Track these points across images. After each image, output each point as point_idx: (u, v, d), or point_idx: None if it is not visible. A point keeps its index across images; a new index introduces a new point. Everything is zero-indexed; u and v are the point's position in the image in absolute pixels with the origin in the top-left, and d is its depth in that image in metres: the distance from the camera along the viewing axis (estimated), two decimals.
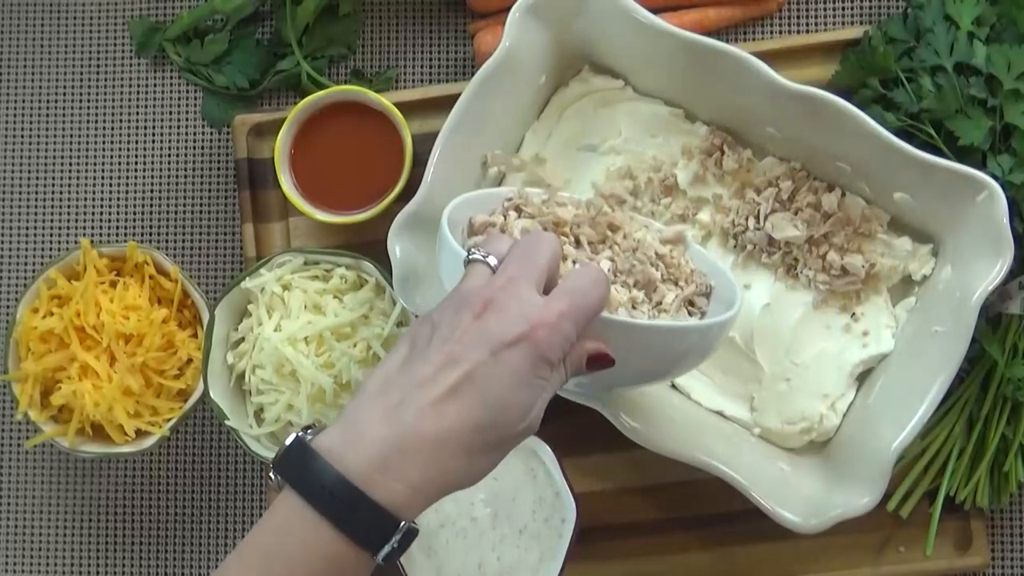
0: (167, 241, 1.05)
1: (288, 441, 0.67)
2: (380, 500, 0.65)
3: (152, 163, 1.06)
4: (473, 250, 0.72)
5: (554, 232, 0.81)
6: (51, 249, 1.06)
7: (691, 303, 0.84)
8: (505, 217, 0.83)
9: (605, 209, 0.85)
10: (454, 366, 0.67)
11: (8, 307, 1.05)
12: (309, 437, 0.67)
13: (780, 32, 1.03)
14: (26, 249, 1.06)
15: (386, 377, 0.68)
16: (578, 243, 0.83)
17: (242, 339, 0.96)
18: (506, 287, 0.69)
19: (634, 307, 0.80)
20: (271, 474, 0.67)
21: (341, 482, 0.65)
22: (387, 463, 0.65)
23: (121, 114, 1.06)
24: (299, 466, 0.66)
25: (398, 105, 0.97)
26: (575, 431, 0.92)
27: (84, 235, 1.05)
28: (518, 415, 0.68)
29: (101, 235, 1.05)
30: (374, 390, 0.68)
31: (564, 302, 0.69)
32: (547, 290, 0.70)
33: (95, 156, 1.06)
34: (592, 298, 0.70)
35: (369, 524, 0.65)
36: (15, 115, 1.07)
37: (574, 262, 0.79)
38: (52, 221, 1.06)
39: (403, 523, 0.66)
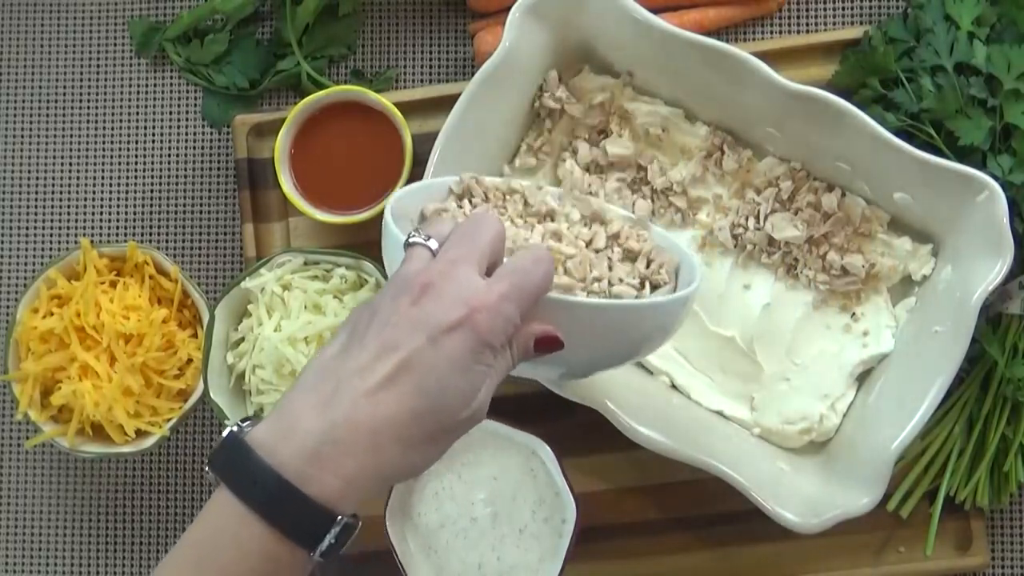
0: (167, 241, 1.05)
1: (223, 435, 0.65)
2: (313, 494, 0.63)
3: (152, 163, 1.06)
4: (413, 234, 0.70)
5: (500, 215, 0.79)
6: (51, 249, 1.06)
7: (654, 284, 0.81)
8: (460, 205, 0.81)
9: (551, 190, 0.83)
10: (391, 353, 0.64)
11: (8, 307, 1.05)
12: (245, 431, 0.65)
13: (780, 32, 1.03)
14: (26, 249, 1.06)
15: (322, 366, 0.66)
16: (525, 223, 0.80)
17: (242, 339, 0.96)
18: (445, 270, 0.66)
19: (587, 289, 0.77)
20: (206, 469, 0.65)
21: (273, 477, 0.63)
22: (320, 455, 0.63)
23: (121, 114, 1.06)
24: (232, 461, 0.64)
25: (398, 105, 0.97)
26: (575, 431, 0.92)
27: (84, 235, 1.05)
28: (459, 403, 0.65)
29: (101, 235, 1.05)
30: (309, 379, 0.66)
31: (505, 283, 0.66)
32: (491, 273, 0.68)
33: (95, 156, 1.06)
34: (535, 277, 0.68)
35: (303, 520, 0.63)
36: (15, 115, 1.07)
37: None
38: (52, 221, 1.06)
39: (340, 517, 0.64)
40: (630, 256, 0.81)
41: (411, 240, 0.69)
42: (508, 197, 0.82)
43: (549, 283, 0.69)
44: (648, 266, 0.80)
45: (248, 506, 0.63)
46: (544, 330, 0.69)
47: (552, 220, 0.82)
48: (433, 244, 0.69)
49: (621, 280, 0.77)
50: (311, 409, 0.64)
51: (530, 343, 0.69)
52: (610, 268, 0.79)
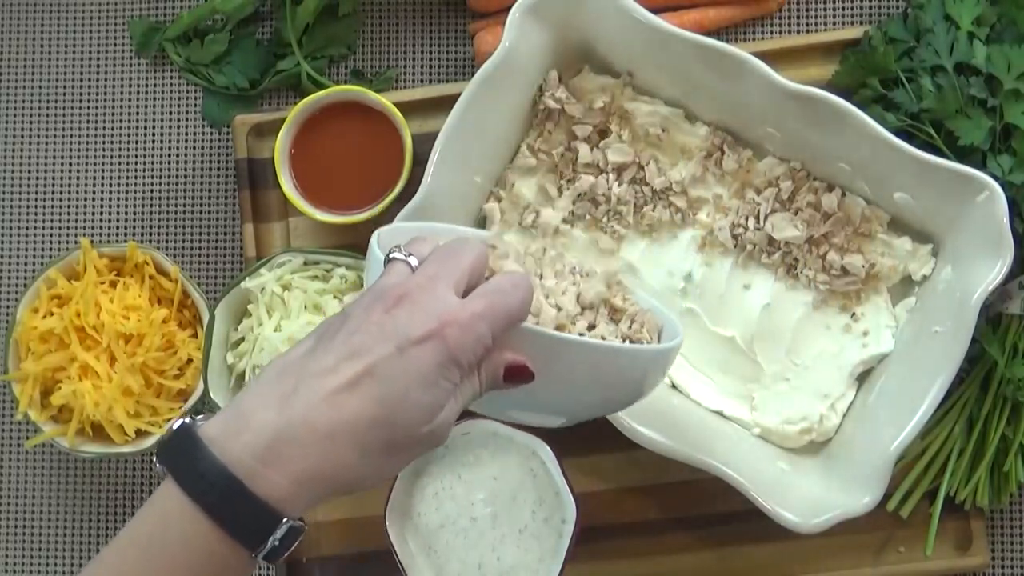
0: (167, 241, 1.05)
1: (175, 426, 0.64)
2: (259, 492, 0.62)
3: (152, 163, 1.06)
4: (394, 250, 0.69)
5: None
6: (51, 249, 1.06)
7: (635, 342, 0.78)
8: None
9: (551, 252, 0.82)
10: (356, 358, 0.63)
11: (8, 307, 1.05)
12: (198, 423, 0.64)
13: (780, 32, 1.03)
14: (26, 249, 1.06)
15: (285, 365, 0.65)
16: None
17: (242, 339, 0.96)
18: (422, 284, 0.65)
19: (565, 326, 0.76)
20: (154, 460, 0.64)
21: (220, 472, 0.61)
22: (271, 453, 0.62)
23: (121, 114, 1.06)
24: (181, 453, 0.63)
25: (398, 105, 0.97)
26: (575, 431, 0.92)
27: (84, 235, 1.05)
28: (420, 416, 0.64)
29: (101, 235, 1.05)
30: (270, 377, 0.64)
31: (480, 303, 0.65)
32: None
33: (95, 156, 1.06)
34: (512, 301, 0.66)
35: (247, 519, 0.62)
36: (15, 115, 1.07)
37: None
38: (52, 221, 1.06)
39: (285, 520, 0.62)
40: (614, 317, 0.80)
41: (392, 255, 0.69)
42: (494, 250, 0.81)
43: (526, 310, 0.67)
44: (631, 326, 0.79)
45: (193, 500, 0.62)
46: (515, 359, 0.67)
47: (541, 277, 0.80)
48: (413, 261, 0.68)
49: (603, 338, 0.76)
50: (268, 406, 0.63)
51: (499, 370, 0.67)
52: (594, 325, 0.77)
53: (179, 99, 1.06)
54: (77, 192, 1.06)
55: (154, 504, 0.63)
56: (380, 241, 0.74)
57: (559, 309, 0.76)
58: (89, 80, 1.07)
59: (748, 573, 0.98)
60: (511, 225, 0.96)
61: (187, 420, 0.64)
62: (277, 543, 0.63)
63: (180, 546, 0.62)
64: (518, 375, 0.68)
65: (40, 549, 1.04)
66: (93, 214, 1.06)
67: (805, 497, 0.89)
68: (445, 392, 0.65)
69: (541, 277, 0.78)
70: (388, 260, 0.69)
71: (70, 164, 1.06)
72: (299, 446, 0.62)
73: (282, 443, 0.62)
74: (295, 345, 0.67)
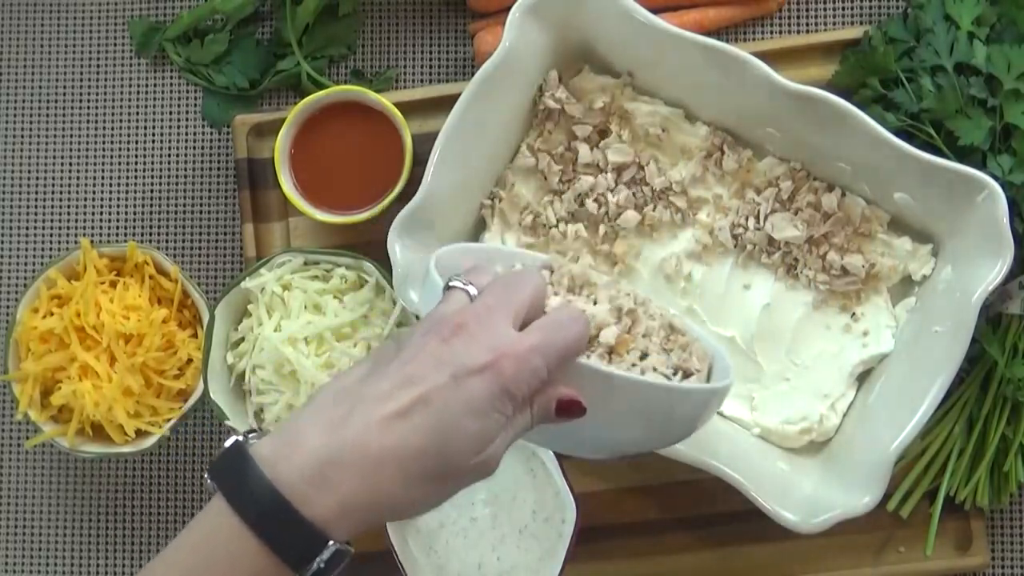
0: (167, 241, 1.05)
1: (227, 444, 0.64)
2: (307, 514, 0.62)
3: (152, 163, 1.06)
4: (454, 278, 0.69)
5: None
6: (51, 249, 1.06)
7: (687, 373, 0.78)
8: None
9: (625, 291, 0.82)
10: (411, 386, 0.63)
11: (8, 307, 1.05)
12: (250, 442, 0.64)
13: (780, 32, 1.03)
14: (26, 249, 1.06)
15: (338, 389, 0.65)
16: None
17: (242, 339, 0.96)
18: (480, 315, 0.66)
19: (615, 361, 0.75)
20: (205, 476, 0.64)
21: (270, 492, 0.62)
22: (320, 475, 0.62)
23: (121, 114, 1.06)
24: (232, 471, 0.63)
25: (398, 105, 0.97)
26: None
27: (84, 235, 1.05)
28: (470, 447, 0.64)
29: (101, 235, 1.05)
30: (324, 400, 0.65)
31: (536, 336, 0.65)
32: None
33: (95, 156, 1.06)
34: (568, 335, 0.66)
35: (293, 540, 0.62)
36: (15, 115, 1.07)
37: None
38: (52, 221, 1.06)
39: (331, 542, 0.62)
40: (666, 346, 0.79)
41: (451, 283, 0.69)
42: (551, 274, 0.80)
43: (582, 345, 0.68)
44: (682, 356, 0.78)
45: (242, 518, 0.62)
46: (568, 393, 0.67)
47: (596, 303, 0.80)
48: (472, 290, 0.68)
49: (655, 369, 0.75)
50: (320, 428, 0.63)
51: (552, 404, 0.67)
52: (646, 354, 0.76)
53: (179, 99, 1.06)
54: (77, 192, 1.06)
55: (202, 520, 0.63)
56: (438, 263, 0.74)
57: (612, 334, 0.75)
58: (89, 80, 1.07)
59: (748, 573, 0.98)
60: (511, 225, 0.96)
61: (240, 438, 0.65)
62: (323, 565, 0.62)
63: (226, 564, 0.62)
64: (570, 410, 0.67)
65: (40, 549, 1.04)
66: (93, 214, 1.06)
67: (805, 497, 0.89)
68: (497, 424, 0.64)
69: (596, 303, 0.78)
70: (447, 288, 0.69)
71: (70, 164, 1.06)
72: (348, 470, 0.62)
73: (331, 466, 0.62)
74: (351, 369, 0.67)
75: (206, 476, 0.64)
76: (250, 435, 0.65)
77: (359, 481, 0.62)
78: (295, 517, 0.62)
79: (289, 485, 0.62)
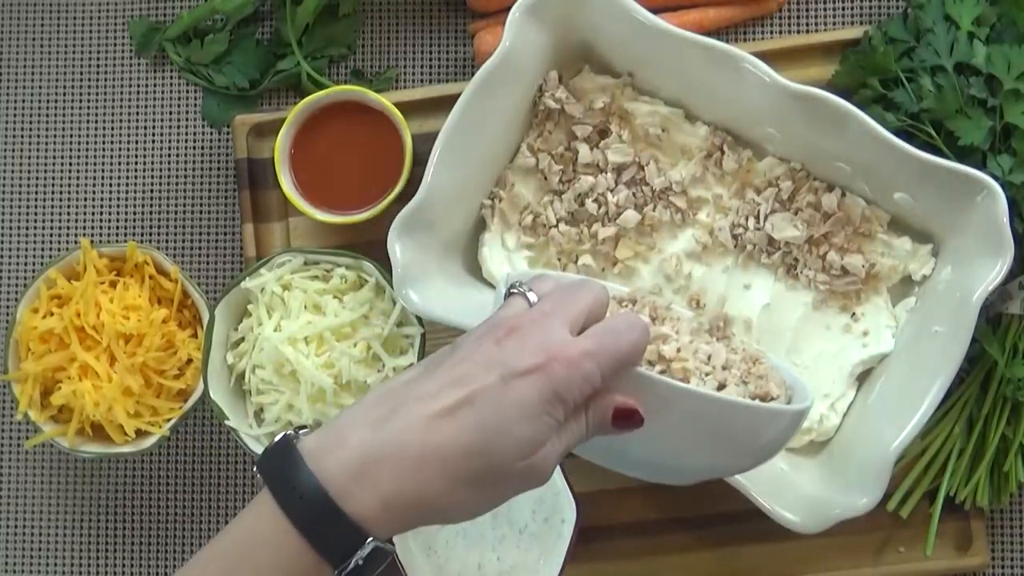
0: (167, 241, 1.05)
1: (276, 439, 0.65)
2: (347, 510, 0.61)
3: (152, 163, 1.06)
4: (515, 285, 0.69)
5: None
6: (51, 249, 1.06)
7: (762, 399, 0.73)
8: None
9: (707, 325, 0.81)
10: (460, 386, 0.63)
11: (8, 307, 1.05)
12: (297, 437, 0.64)
13: (780, 32, 1.03)
14: (26, 249, 1.06)
15: (387, 388, 0.65)
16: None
17: (242, 339, 0.96)
18: (536, 319, 0.65)
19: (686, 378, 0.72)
20: (254, 469, 0.64)
21: (313, 486, 0.61)
22: (363, 471, 0.62)
23: (121, 114, 1.06)
24: (278, 465, 0.63)
25: (398, 105, 0.97)
26: None
27: (84, 235, 1.05)
28: (516, 449, 0.62)
29: (101, 235, 1.05)
30: (372, 398, 0.65)
31: (590, 341, 0.64)
32: None
33: (95, 156, 1.06)
34: (623, 341, 0.64)
35: (333, 535, 0.62)
36: (15, 115, 1.07)
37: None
38: (52, 221, 1.06)
39: (370, 540, 0.62)
40: (744, 380, 0.76)
41: (511, 290, 0.69)
42: (633, 306, 0.79)
43: (638, 353, 0.66)
44: (759, 385, 0.75)
45: (283, 510, 0.62)
46: (625, 402, 0.65)
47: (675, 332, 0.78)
48: (532, 296, 0.68)
49: (724, 384, 0.72)
50: (364, 425, 0.63)
51: (608, 413, 0.65)
52: (723, 386, 0.73)
53: (179, 99, 1.06)
54: (77, 192, 1.06)
55: (249, 511, 0.64)
56: (508, 281, 0.73)
57: (686, 362, 0.73)
58: (89, 80, 1.07)
59: (748, 573, 0.98)
60: (511, 225, 0.96)
61: (289, 432, 0.64)
62: (361, 563, 0.62)
63: (266, 555, 0.62)
64: (627, 420, 0.66)
65: (40, 549, 1.04)
66: (93, 214, 1.06)
67: (805, 497, 0.89)
68: (547, 428, 0.63)
69: (678, 333, 0.76)
70: (508, 295, 0.68)
71: (70, 164, 1.06)
72: (389, 467, 0.62)
73: (373, 462, 0.62)
74: (402, 371, 0.66)
75: (254, 469, 0.64)
76: (300, 431, 0.65)
77: (401, 478, 0.62)
78: (334, 510, 0.61)
79: (331, 480, 0.62)
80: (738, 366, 0.75)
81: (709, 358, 0.74)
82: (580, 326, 0.66)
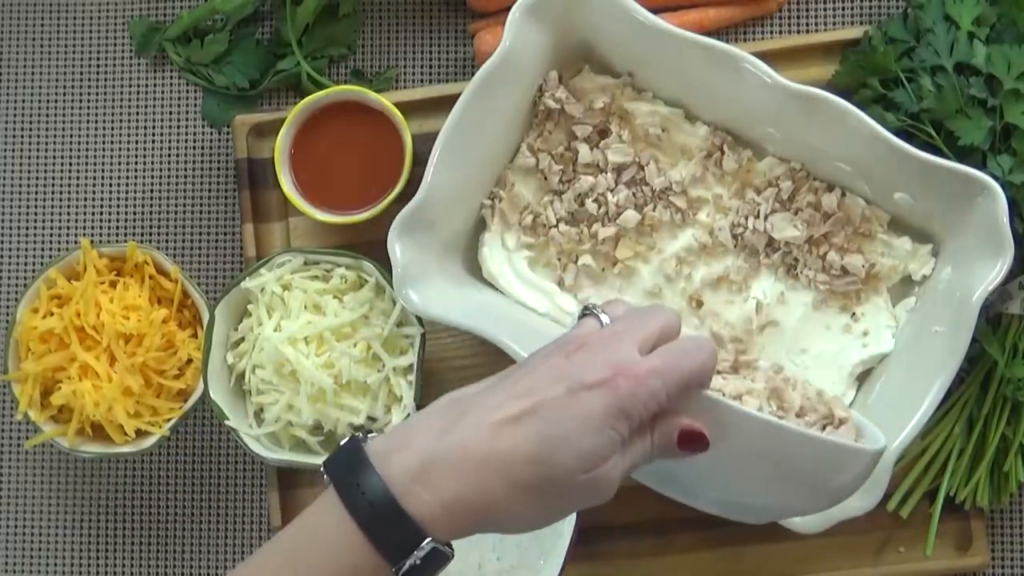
0: (167, 241, 1.05)
1: (343, 441, 0.66)
2: (408, 508, 0.62)
3: (152, 163, 1.06)
4: (589, 307, 0.70)
5: None
6: (51, 249, 1.06)
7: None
8: None
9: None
10: (526, 396, 0.64)
11: (8, 307, 1.05)
12: (365, 439, 0.66)
13: (780, 32, 1.03)
14: (26, 249, 1.06)
15: (457, 397, 0.67)
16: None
17: (242, 339, 0.96)
18: (606, 337, 0.66)
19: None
20: (321, 470, 0.66)
21: (377, 485, 0.63)
22: (424, 472, 0.63)
23: (121, 114, 1.06)
24: (344, 465, 0.65)
25: (398, 105, 0.97)
26: None
27: (84, 235, 1.05)
28: (579, 461, 0.63)
29: (101, 235, 1.05)
30: (441, 405, 0.66)
31: (657, 359, 0.65)
32: None
33: (95, 156, 1.06)
34: (692, 362, 0.66)
35: (392, 531, 0.63)
36: (15, 115, 1.07)
37: None
38: (52, 221, 1.06)
39: (428, 540, 0.63)
40: (822, 421, 0.75)
41: (584, 311, 0.70)
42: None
43: (706, 374, 0.67)
44: (828, 430, 0.75)
45: (347, 509, 0.63)
46: (692, 424, 0.66)
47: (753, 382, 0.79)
48: (604, 318, 0.69)
49: (799, 416, 0.72)
50: (430, 431, 0.64)
51: (674, 434, 0.66)
52: (796, 410, 0.73)
53: (179, 99, 1.06)
54: (77, 192, 1.06)
55: (314, 507, 0.65)
56: (582, 305, 0.74)
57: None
58: (89, 80, 1.07)
59: (749, 573, 0.98)
60: (511, 225, 0.96)
61: (357, 435, 0.66)
62: (419, 563, 0.63)
63: (325, 550, 0.63)
64: (693, 442, 0.67)
65: (40, 549, 1.04)
66: (93, 214, 1.06)
67: None
68: (611, 442, 0.64)
69: (753, 382, 0.76)
70: (581, 316, 0.70)
71: (70, 164, 1.06)
72: (451, 469, 0.63)
73: (435, 464, 0.63)
74: (473, 384, 0.68)
75: (321, 469, 0.66)
76: (369, 434, 0.67)
77: (462, 482, 0.63)
78: (396, 509, 0.62)
79: (395, 480, 0.63)
80: (810, 412, 0.75)
81: (780, 406, 0.74)
82: (650, 347, 0.66)
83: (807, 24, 1.03)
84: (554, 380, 0.64)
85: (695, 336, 0.69)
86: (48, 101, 1.07)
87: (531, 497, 0.64)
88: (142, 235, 1.05)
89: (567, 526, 0.87)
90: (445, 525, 0.63)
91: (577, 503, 0.66)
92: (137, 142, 1.06)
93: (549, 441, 0.63)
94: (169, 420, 0.97)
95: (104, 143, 1.06)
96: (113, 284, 0.98)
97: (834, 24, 1.03)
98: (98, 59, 1.07)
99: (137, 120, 1.06)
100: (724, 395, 0.74)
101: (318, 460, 0.93)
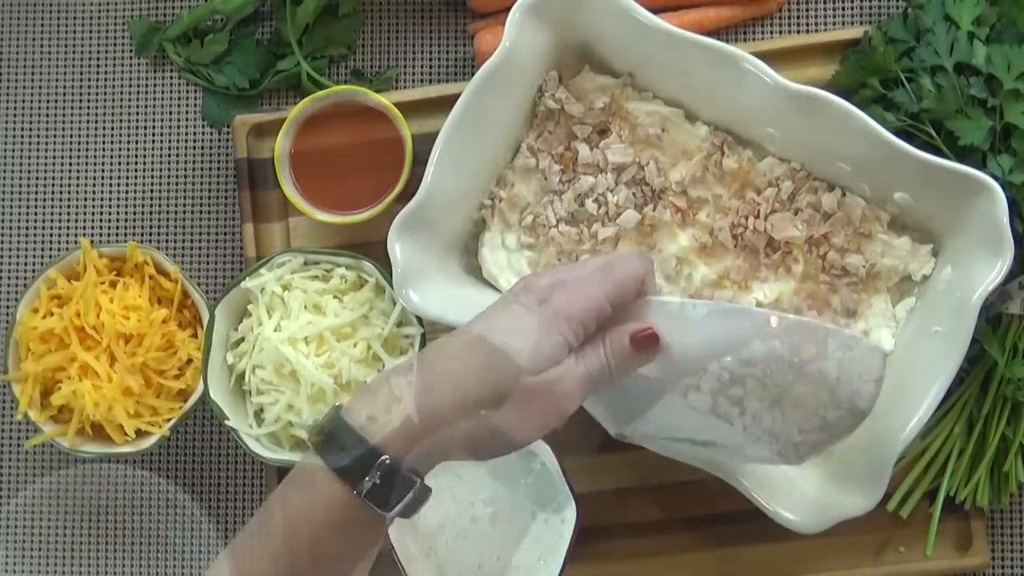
0: (167, 241, 1.05)
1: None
2: (352, 423, 0.66)
3: (152, 163, 1.06)
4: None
5: None
6: (51, 249, 1.06)
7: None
8: None
9: None
10: (479, 320, 0.70)
11: (8, 307, 1.05)
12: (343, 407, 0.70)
13: (780, 32, 1.03)
14: (26, 249, 1.06)
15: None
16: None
17: (242, 339, 0.96)
18: (564, 275, 0.71)
19: None
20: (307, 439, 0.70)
21: (331, 416, 0.67)
22: (373, 389, 0.67)
23: (121, 114, 1.06)
24: (323, 423, 0.68)
25: (398, 105, 0.97)
26: (575, 431, 0.92)
27: (84, 235, 1.05)
28: (528, 360, 0.66)
29: (101, 235, 1.05)
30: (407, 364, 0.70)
31: (588, 267, 0.70)
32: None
33: (95, 156, 1.06)
34: (624, 265, 0.71)
35: (346, 455, 0.65)
36: (15, 115, 1.07)
37: None
38: (52, 221, 1.06)
39: (384, 458, 0.65)
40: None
41: None
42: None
43: (640, 277, 0.71)
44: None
45: (312, 448, 0.67)
46: (640, 325, 0.70)
47: None
48: None
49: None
50: (396, 375, 0.68)
51: (625, 338, 0.70)
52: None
53: (179, 99, 1.06)
54: (77, 192, 1.06)
55: (297, 466, 0.69)
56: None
57: None
58: (89, 80, 1.07)
59: (748, 573, 0.98)
60: (511, 225, 0.96)
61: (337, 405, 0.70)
62: (378, 482, 0.65)
63: (306, 485, 0.67)
64: (646, 341, 0.70)
65: (40, 549, 1.04)
66: (93, 214, 1.06)
67: (805, 497, 0.89)
68: (559, 345, 0.68)
69: None
70: None
71: (70, 164, 1.06)
72: (397, 379, 0.66)
73: (382, 380, 0.67)
74: None
75: (307, 439, 0.71)
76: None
77: (417, 402, 0.66)
78: (344, 426, 0.66)
79: (351, 410, 0.67)
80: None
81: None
82: (612, 294, 0.71)
83: (807, 24, 1.03)
84: (502, 309, 0.69)
85: (626, 250, 0.74)
86: (48, 101, 1.07)
87: (475, 400, 0.67)
88: (142, 235, 1.05)
89: (567, 526, 0.87)
90: (402, 443, 0.65)
91: (535, 416, 0.68)
92: (137, 142, 1.06)
93: (497, 351, 0.67)
94: (169, 420, 0.97)
95: (104, 143, 1.06)
96: (113, 284, 0.98)
97: (834, 24, 1.03)
98: (98, 59, 1.07)
99: (137, 120, 1.06)
100: None
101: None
